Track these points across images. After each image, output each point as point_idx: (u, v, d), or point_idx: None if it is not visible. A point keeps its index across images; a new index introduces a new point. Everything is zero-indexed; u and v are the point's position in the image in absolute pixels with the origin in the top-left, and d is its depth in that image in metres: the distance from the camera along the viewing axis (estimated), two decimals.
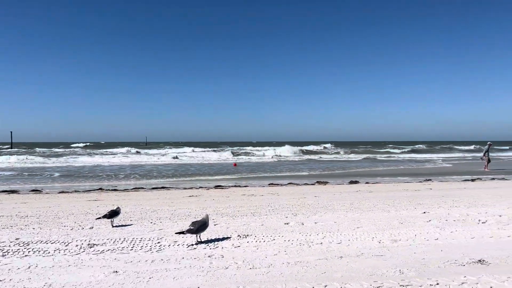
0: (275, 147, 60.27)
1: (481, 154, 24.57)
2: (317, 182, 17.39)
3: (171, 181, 18.80)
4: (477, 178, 17.99)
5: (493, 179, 17.85)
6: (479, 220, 6.86)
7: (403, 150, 62.29)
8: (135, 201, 10.68)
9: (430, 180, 17.59)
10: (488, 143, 24.18)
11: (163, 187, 15.31)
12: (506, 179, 17.45)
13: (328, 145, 69.14)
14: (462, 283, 3.84)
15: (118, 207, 6.95)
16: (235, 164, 30.73)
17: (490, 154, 24.25)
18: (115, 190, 14.59)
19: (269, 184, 16.39)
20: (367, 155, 48.16)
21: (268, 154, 48.20)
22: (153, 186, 15.58)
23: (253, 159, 40.54)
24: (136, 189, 14.90)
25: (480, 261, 4.51)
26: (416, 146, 74.29)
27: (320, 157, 43.77)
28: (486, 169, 23.40)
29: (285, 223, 6.93)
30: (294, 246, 5.34)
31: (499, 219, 6.93)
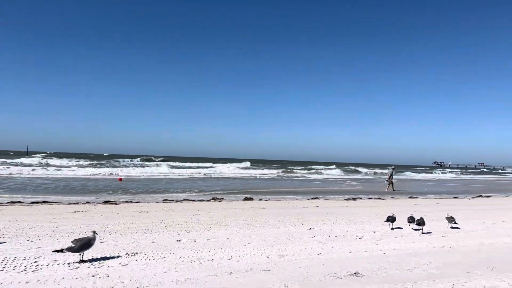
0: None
1: (386, 177, 27.42)
2: (213, 198, 17.47)
3: (54, 196, 17.29)
4: (358, 198, 19.71)
5: (371, 198, 19.71)
6: (356, 236, 7.51)
7: (313, 170, 65.31)
8: (10, 217, 9.60)
9: (317, 198, 18.80)
10: (392, 167, 27.51)
11: (44, 202, 14.00)
12: (381, 199, 19.39)
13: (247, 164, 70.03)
14: None
15: None
16: (120, 179, 29.20)
17: (393, 176, 27.14)
18: None
19: (163, 200, 16.00)
20: (279, 174, 49.70)
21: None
22: (33, 200, 14.16)
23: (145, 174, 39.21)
24: (12, 203, 13.40)
25: (355, 273, 4.93)
26: (331, 167, 77.64)
27: (234, 175, 44.01)
28: (387, 190, 25.87)
29: (177, 240, 6.82)
30: (185, 263, 5.28)
31: (373, 235, 7.67)
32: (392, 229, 8.36)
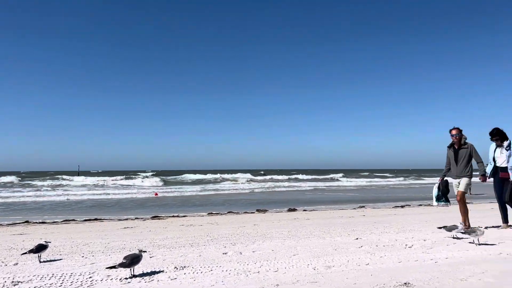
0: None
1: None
2: (257, 210, 17.53)
3: (104, 214, 18.01)
4: (406, 205, 19.09)
5: (420, 205, 19.03)
6: (406, 245, 7.27)
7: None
8: (65, 234, 10.09)
9: (364, 207, 18.40)
10: None
11: (96, 219, 14.62)
12: (432, 205, 18.65)
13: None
14: None
15: (46, 241, 6.54)
16: (156, 194, 30.09)
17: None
18: (43, 223, 13.70)
19: (208, 213, 16.25)
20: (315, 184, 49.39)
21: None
22: (85, 218, 14.82)
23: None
24: (66, 221, 14.09)
25: (405, 283, 4.78)
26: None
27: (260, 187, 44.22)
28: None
29: (223, 253, 6.90)
30: (231, 276, 5.33)
31: (423, 243, 7.40)
32: (454, 237, 7.85)
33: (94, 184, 48.48)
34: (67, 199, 26.67)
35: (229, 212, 16.56)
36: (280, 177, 67.22)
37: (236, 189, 39.17)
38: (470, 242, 7.17)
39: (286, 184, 48.96)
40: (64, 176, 63.82)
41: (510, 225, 8.97)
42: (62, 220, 14.39)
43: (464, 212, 8.96)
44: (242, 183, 51.66)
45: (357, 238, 8.22)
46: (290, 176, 68.71)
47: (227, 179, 61.03)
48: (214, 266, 5.88)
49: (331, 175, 73.69)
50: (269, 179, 62.25)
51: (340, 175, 73.72)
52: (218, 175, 70.89)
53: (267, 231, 9.71)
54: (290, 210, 17.45)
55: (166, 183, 50.75)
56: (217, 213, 16.22)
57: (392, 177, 72.62)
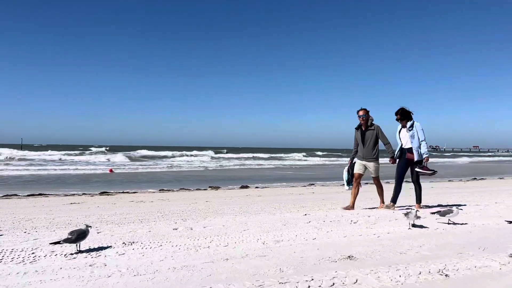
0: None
1: None
2: (210, 187, 17.55)
3: (48, 187, 17.30)
4: None
5: (367, 183, 19.83)
6: (351, 221, 7.59)
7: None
8: (6, 210, 9.63)
9: (313, 184, 18.92)
10: None
11: (40, 194, 14.02)
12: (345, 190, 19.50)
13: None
14: (333, 277, 4.23)
15: None
16: (111, 170, 29.27)
17: None
18: None
19: (159, 190, 16.06)
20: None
21: None
22: (28, 193, 14.16)
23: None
24: (8, 196, 13.41)
25: (349, 257, 5.01)
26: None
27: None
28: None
29: (173, 229, 6.87)
30: (181, 251, 5.34)
31: (368, 219, 7.75)
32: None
33: (39, 159, 46.28)
34: (8, 174, 25.35)
35: (181, 189, 16.45)
36: (239, 155, 67.33)
37: (191, 166, 38.92)
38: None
39: (245, 162, 49.15)
40: (5, 150, 60.26)
41: (421, 206, 9.02)
42: (2, 195, 13.68)
43: (355, 194, 9.34)
44: (200, 160, 51.25)
45: (305, 214, 8.47)
46: (250, 155, 69.03)
47: (184, 156, 60.43)
48: (164, 242, 5.85)
49: (293, 154, 75.08)
50: (229, 157, 62.13)
51: (302, 154, 75.33)
52: (175, 152, 69.93)
53: (219, 208, 9.77)
54: (242, 187, 17.62)
55: (120, 158, 49.44)
56: (169, 190, 16.06)
57: (345, 156, 75.07)
